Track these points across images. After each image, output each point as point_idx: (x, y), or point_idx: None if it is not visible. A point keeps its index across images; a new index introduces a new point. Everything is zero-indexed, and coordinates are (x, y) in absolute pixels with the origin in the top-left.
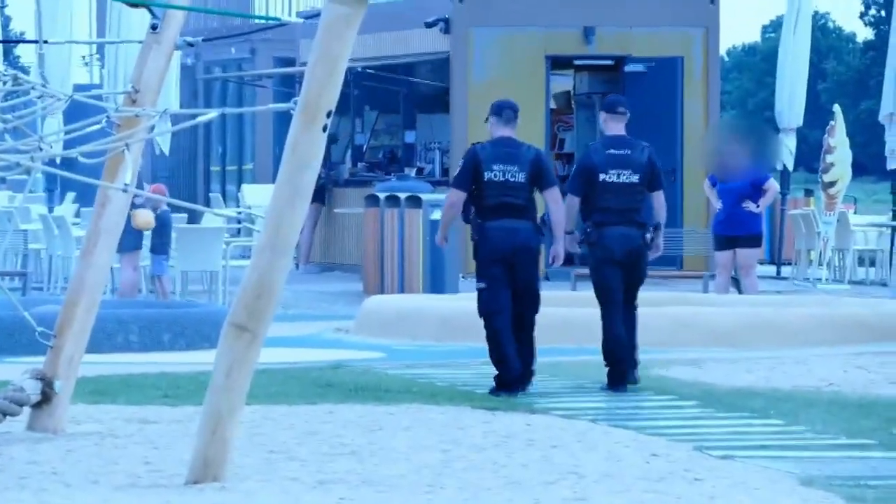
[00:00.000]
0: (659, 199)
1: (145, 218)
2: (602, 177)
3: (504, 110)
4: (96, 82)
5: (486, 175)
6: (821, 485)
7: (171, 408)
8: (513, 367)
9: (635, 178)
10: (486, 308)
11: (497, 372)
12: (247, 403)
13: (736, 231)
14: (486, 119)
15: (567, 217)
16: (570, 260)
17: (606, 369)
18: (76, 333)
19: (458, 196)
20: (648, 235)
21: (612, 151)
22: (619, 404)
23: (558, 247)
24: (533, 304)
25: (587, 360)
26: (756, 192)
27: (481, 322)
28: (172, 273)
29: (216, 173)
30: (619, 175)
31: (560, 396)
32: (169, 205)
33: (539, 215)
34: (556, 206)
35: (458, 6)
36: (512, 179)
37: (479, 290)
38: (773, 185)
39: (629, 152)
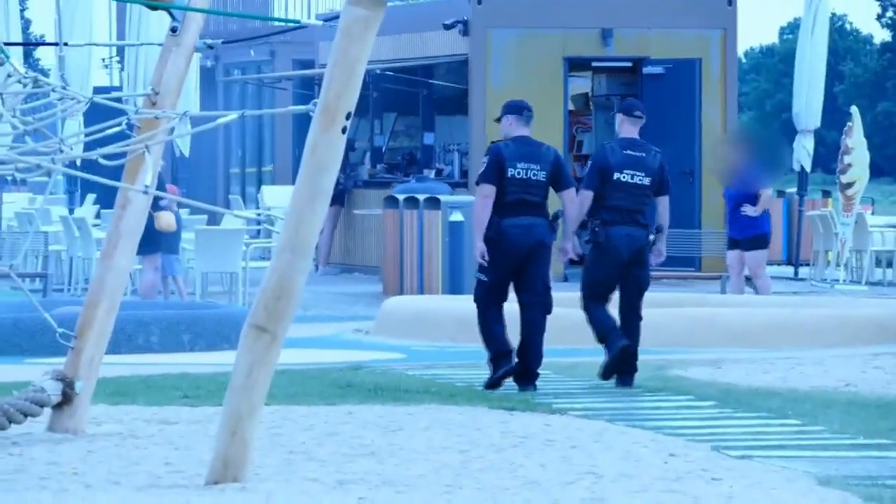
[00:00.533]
0: (664, 203)
1: (168, 220)
2: (616, 176)
3: (524, 110)
4: (116, 84)
5: (510, 172)
6: (838, 485)
7: (191, 408)
8: (506, 344)
9: (647, 181)
10: (483, 301)
11: (490, 353)
12: (266, 404)
13: (737, 234)
14: (498, 118)
15: (579, 211)
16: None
17: (606, 360)
18: (97, 334)
19: (491, 190)
20: (651, 236)
21: (628, 152)
22: (637, 404)
23: (567, 243)
24: (546, 300)
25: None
26: (753, 196)
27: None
28: (192, 274)
29: (236, 175)
30: (632, 176)
31: (578, 397)
32: (187, 206)
33: (552, 213)
34: (573, 206)
35: (477, 8)
36: (534, 178)
37: (480, 282)
38: (765, 190)
39: (644, 155)
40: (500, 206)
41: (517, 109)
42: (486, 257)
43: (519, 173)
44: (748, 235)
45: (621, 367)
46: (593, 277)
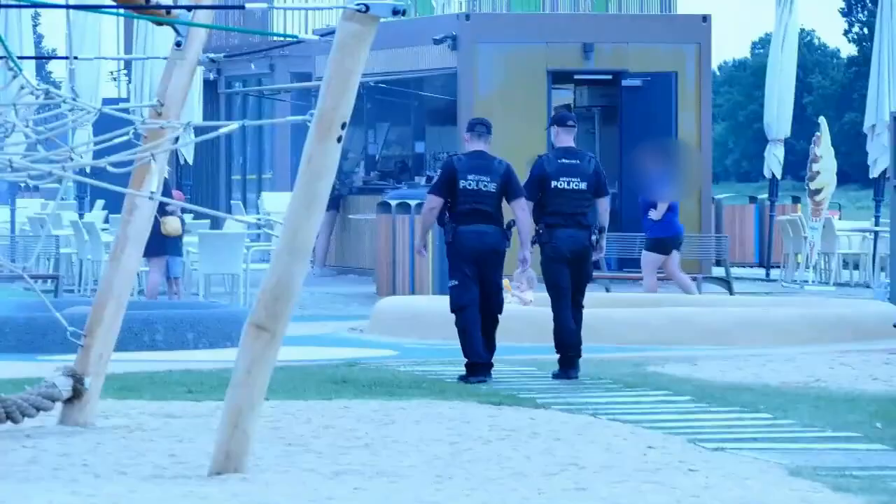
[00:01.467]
0: (603, 204)
1: (174, 224)
2: (554, 184)
3: (477, 126)
4: (124, 96)
5: (462, 184)
6: (808, 475)
7: (195, 403)
8: (482, 356)
9: (583, 186)
10: (458, 303)
11: (468, 360)
12: (266, 399)
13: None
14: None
15: (531, 219)
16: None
17: (558, 356)
18: (105, 333)
19: (437, 202)
20: (594, 237)
21: (563, 161)
22: (617, 399)
23: (525, 252)
24: (498, 302)
25: (586, 358)
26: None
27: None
28: (196, 276)
29: (237, 182)
30: (568, 182)
31: (561, 392)
32: (191, 211)
33: (506, 222)
34: (524, 215)
35: (465, 24)
36: (484, 189)
37: (451, 287)
38: (662, 203)
39: (578, 162)
40: (455, 214)
41: (471, 126)
42: (424, 254)
43: (470, 185)
44: (648, 236)
45: (571, 361)
46: (548, 279)
